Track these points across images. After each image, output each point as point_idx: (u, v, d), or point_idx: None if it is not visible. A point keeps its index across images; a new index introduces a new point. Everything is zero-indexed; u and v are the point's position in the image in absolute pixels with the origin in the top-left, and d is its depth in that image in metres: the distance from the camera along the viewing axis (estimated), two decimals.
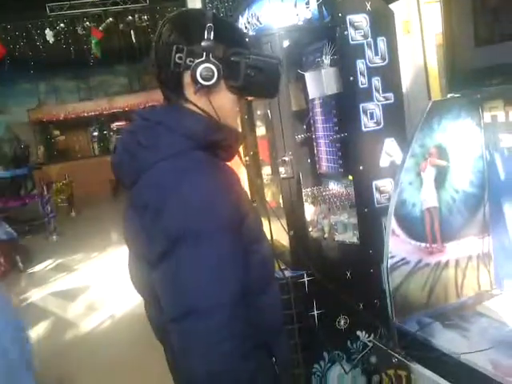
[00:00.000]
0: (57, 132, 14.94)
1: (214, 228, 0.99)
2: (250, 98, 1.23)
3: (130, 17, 10.86)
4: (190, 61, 1.07)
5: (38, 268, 6.97)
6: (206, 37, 1.06)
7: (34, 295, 5.84)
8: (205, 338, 0.97)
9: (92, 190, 11.66)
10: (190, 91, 1.11)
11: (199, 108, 1.10)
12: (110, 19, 10.62)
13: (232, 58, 1.09)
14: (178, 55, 1.06)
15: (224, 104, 1.13)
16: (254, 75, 1.10)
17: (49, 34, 10.49)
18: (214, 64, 1.06)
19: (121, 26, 10.91)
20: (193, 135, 1.07)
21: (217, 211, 1.00)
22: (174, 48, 1.06)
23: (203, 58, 1.06)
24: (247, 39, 1.23)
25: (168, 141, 1.06)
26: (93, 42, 10.51)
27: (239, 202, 1.06)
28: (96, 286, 5.81)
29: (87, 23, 10.77)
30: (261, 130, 3.01)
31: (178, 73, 1.09)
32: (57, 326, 4.91)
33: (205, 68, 1.06)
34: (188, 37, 1.08)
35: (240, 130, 1.25)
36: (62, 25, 10.75)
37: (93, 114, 14.78)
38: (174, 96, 1.13)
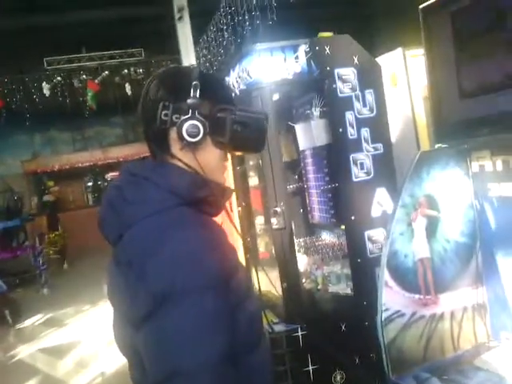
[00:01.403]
0: (51, 183, 14.94)
1: (200, 287, 0.96)
2: (237, 153, 1.23)
3: (125, 70, 11.10)
4: (176, 117, 1.08)
5: (27, 323, 6.80)
6: (192, 94, 1.08)
7: (23, 351, 5.67)
8: None
9: (85, 240, 11.52)
10: (176, 147, 1.11)
11: (185, 164, 1.10)
12: (106, 72, 10.85)
13: (218, 115, 1.10)
14: (164, 112, 1.07)
15: (210, 159, 1.13)
16: (241, 131, 1.11)
17: (45, 87, 10.67)
18: (199, 121, 1.07)
19: (116, 78, 11.13)
20: (179, 191, 1.06)
21: (202, 269, 0.98)
22: (161, 105, 1.08)
23: (189, 115, 1.07)
24: (233, 95, 1.25)
25: (154, 197, 1.06)
26: (89, 94, 10.69)
27: (226, 259, 1.04)
28: (86, 342, 5.65)
29: (83, 76, 10.98)
30: (253, 180, 3.02)
31: (164, 129, 1.09)
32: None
33: (191, 125, 1.07)
34: (174, 94, 1.09)
35: (227, 184, 1.24)
36: (58, 78, 10.95)
37: (87, 164, 14.84)
38: (160, 152, 1.13)
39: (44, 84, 10.63)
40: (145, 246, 1.00)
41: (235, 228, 1.29)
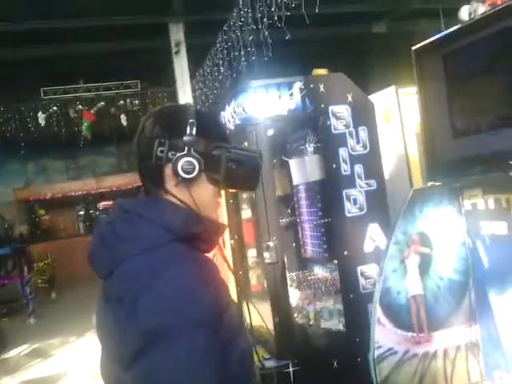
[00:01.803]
0: (42, 211, 14.87)
1: (192, 325, 0.95)
2: (231, 190, 1.24)
3: (121, 101, 11.20)
4: (172, 154, 1.08)
5: (12, 353, 6.64)
6: (188, 132, 1.09)
7: (7, 383, 5.53)
8: None
9: (75, 269, 11.36)
10: (170, 183, 1.11)
11: (179, 200, 1.11)
12: (102, 103, 10.95)
13: (213, 152, 1.12)
14: (160, 148, 1.08)
15: (205, 196, 1.14)
16: (235, 169, 1.12)
17: (41, 117, 10.73)
18: (195, 158, 1.08)
19: (112, 109, 11.22)
20: (172, 228, 1.06)
21: (194, 307, 0.96)
22: (157, 141, 1.08)
23: (185, 152, 1.08)
24: (228, 132, 1.27)
25: (147, 233, 1.05)
26: (85, 124, 10.76)
27: (219, 296, 1.03)
28: (72, 374, 5.52)
29: (79, 106, 11.07)
30: (246, 213, 3.03)
31: (160, 165, 1.10)
32: None
33: (186, 161, 1.08)
34: (170, 131, 1.11)
35: (220, 220, 1.24)
36: (54, 108, 11.03)
37: (80, 193, 14.81)
38: (155, 188, 1.13)
39: (40, 113, 10.69)
40: (136, 282, 0.99)
41: (227, 264, 1.29)
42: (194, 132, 1.10)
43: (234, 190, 1.33)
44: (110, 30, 8.26)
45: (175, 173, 1.09)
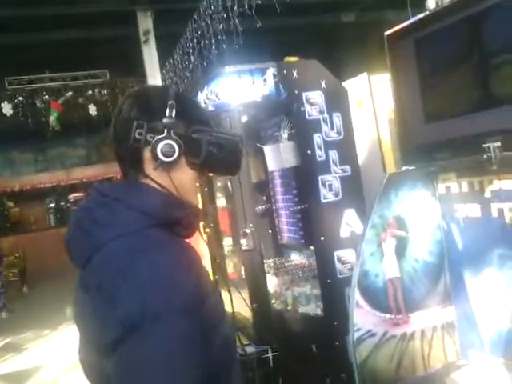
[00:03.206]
0: (10, 203, 14.54)
1: (173, 311, 0.93)
2: (210, 174, 1.22)
3: (89, 91, 10.98)
4: (151, 137, 1.06)
5: None
6: (167, 114, 1.07)
7: None
8: None
9: (47, 262, 11.22)
10: (149, 167, 1.09)
11: (159, 184, 1.08)
12: (70, 93, 10.71)
13: (193, 135, 1.09)
14: (138, 131, 1.05)
15: (184, 180, 1.11)
16: (216, 152, 1.10)
17: (7, 107, 10.43)
18: (174, 141, 1.05)
19: (80, 99, 10.99)
20: (151, 212, 1.04)
21: (175, 293, 0.95)
22: (135, 124, 1.05)
23: (164, 135, 1.06)
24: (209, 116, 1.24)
25: (125, 218, 1.02)
26: (54, 115, 10.49)
27: (200, 282, 1.02)
28: (47, 367, 5.45)
29: (46, 97, 10.81)
30: (221, 202, 3.01)
31: (138, 148, 1.07)
32: None
33: (166, 144, 1.05)
34: (149, 113, 1.08)
35: (200, 205, 1.22)
36: (20, 98, 10.75)
37: (50, 185, 14.53)
38: (133, 171, 1.11)
39: (5, 103, 10.40)
40: (115, 269, 0.96)
41: (209, 249, 1.28)
42: (173, 114, 1.07)
43: (210, 176, 1.30)
44: (75, 17, 8.06)
45: (154, 156, 1.06)
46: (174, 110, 1.07)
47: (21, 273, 10.04)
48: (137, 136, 1.06)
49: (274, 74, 2.28)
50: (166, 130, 1.06)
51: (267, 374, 2.14)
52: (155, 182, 1.09)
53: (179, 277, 0.97)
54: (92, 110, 10.96)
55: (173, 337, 0.92)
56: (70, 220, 1.11)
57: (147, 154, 1.08)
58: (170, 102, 1.08)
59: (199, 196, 3.00)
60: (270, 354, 2.18)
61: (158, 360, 0.91)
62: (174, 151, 1.06)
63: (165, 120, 1.07)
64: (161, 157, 1.05)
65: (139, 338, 0.91)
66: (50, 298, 8.48)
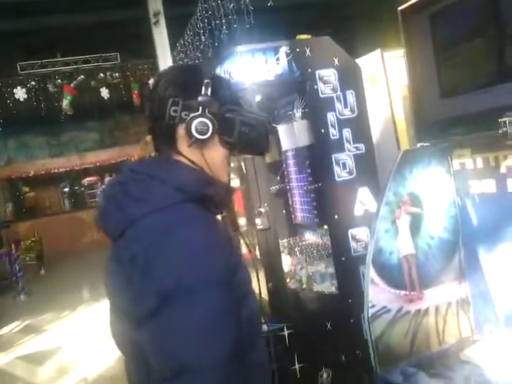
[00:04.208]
0: (26, 189, 14.71)
1: (206, 283, 0.96)
2: (241, 154, 1.23)
3: (101, 74, 11.00)
4: (186, 114, 1.08)
5: (4, 330, 6.66)
6: (203, 92, 1.08)
7: (1, 359, 5.56)
8: None
9: (63, 246, 11.40)
10: (183, 144, 1.11)
11: (191, 161, 1.11)
12: (82, 76, 10.73)
13: (227, 115, 1.11)
14: (173, 108, 1.08)
15: (216, 159, 1.14)
16: (248, 132, 1.12)
17: (20, 92, 10.50)
18: (209, 119, 1.08)
19: (92, 83, 11.02)
20: (184, 188, 1.06)
21: (208, 266, 0.98)
22: (170, 101, 1.08)
23: (199, 113, 1.07)
24: (242, 96, 1.26)
25: (159, 193, 1.05)
26: (68, 98, 10.52)
27: (230, 257, 1.05)
28: (66, 348, 5.56)
29: (59, 81, 10.84)
30: (235, 182, 3.03)
31: (172, 125, 1.09)
32: None
33: (200, 122, 1.07)
34: (185, 91, 1.10)
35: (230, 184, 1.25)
36: (32, 82, 10.80)
37: (64, 170, 14.66)
38: (167, 148, 1.13)
39: (18, 89, 10.45)
40: (149, 242, 0.99)
41: (236, 227, 1.32)
42: (208, 93, 1.09)
43: (244, 155, 1.31)
44: (85, 1, 8.04)
45: (188, 133, 1.09)
46: (209, 89, 1.09)
47: (38, 256, 10.21)
48: (172, 113, 1.09)
49: (286, 53, 2.27)
50: (200, 108, 1.08)
51: (283, 350, 2.17)
52: (188, 159, 1.11)
53: (211, 251, 1.01)
54: (104, 93, 11.00)
55: (206, 308, 0.96)
56: (101, 195, 1.14)
57: (181, 131, 1.11)
58: (206, 80, 1.10)
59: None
60: (286, 332, 2.20)
61: (191, 330, 0.95)
62: (208, 129, 1.09)
63: (200, 98, 1.09)
64: (195, 134, 1.08)
65: (173, 309, 0.94)
66: (67, 281, 8.63)
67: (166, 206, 1.04)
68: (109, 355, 4.78)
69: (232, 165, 2.96)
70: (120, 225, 1.06)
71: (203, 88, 1.08)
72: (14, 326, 6.79)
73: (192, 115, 1.07)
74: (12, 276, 8.31)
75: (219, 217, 1.30)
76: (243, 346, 1.03)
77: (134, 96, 11.24)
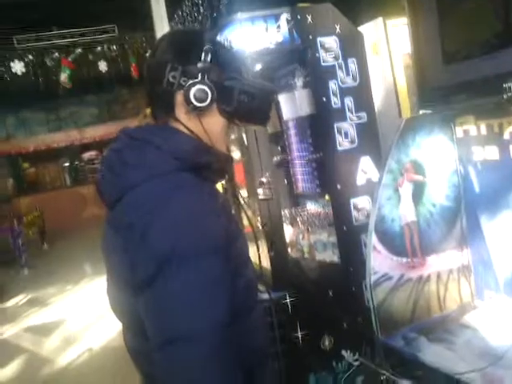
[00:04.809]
0: (26, 164, 14.70)
1: (203, 250, 0.96)
2: (240, 124, 1.21)
3: (99, 47, 10.86)
4: (184, 80, 1.05)
5: (9, 303, 6.76)
6: (203, 58, 1.06)
7: (7, 332, 5.64)
8: (192, 365, 0.93)
9: (64, 221, 11.45)
10: (180, 111, 1.09)
11: (188, 129, 1.09)
12: (79, 50, 10.60)
13: (226, 83, 1.09)
14: (172, 73, 1.05)
15: (214, 127, 1.12)
16: (247, 102, 1.09)
17: (17, 66, 10.38)
18: (208, 86, 1.05)
19: (90, 56, 10.89)
20: (181, 156, 1.05)
21: (205, 233, 0.98)
22: (169, 66, 1.05)
23: (198, 79, 1.05)
24: (244, 64, 1.23)
25: (155, 160, 1.04)
26: (67, 72, 10.40)
27: (228, 226, 1.05)
28: (71, 320, 5.65)
29: (56, 54, 10.71)
30: (235, 155, 3.02)
31: (170, 91, 1.07)
32: (32, 361, 4.75)
33: (199, 89, 1.05)
34: (184, 56, 1.07)
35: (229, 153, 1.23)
36: (30, 56, 10.67)
37: (63, 145, 14.62)
38: (164, 115, 1.11)
39: (16, 62, 10.33)
40: (147, 209, 0.99)
41: (237, 197, 1.31)
42: (208, 59, 1.06)
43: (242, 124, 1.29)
44: None
45: (187, 100, 1.06)
46: (209, 55, 1.06)
47: (40, 231, 10.28)
48: (170, 79, 1.06)
49: (287, 20, 2.23)
50: (200, 75, 1.06)
51: (285, 318, 2.20)
52: (185, 126, 1.10)
53: (209, 219, 1.00)
54: (102, 66, 10.87)
55: (201, 274, 0.96)
56: (101, 162, 1.13)
57: (179, 97, 1.08)
58: (207, 46, 1.07)
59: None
60: (288, 300, 2.22)
61: (185, 297, 0.95)
62: (207, 97, 1.06)
63: (200, 64, 1.06)
64: (193, 101, 1.06)
65: (169, 276, 0.95)
66: (69, 255, 8.71)
67: (162, 173, 1.03)
68: (112, 327, 4.85)
69: (232, 137, 2.96)
70: (116, 192, 1.06)
71: (203, 54, 1.06)
72: (19, 300, 6.89)
73: (191, 82, 1.05)
74: (15, 251, 8.37)
75: (220, 188, 1.30)
76: (239, 313, 1.04)
77: (132, 69, 11.12)
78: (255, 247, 1.52)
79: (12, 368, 4.61)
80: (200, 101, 1.05)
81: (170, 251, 0.95)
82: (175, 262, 0.94)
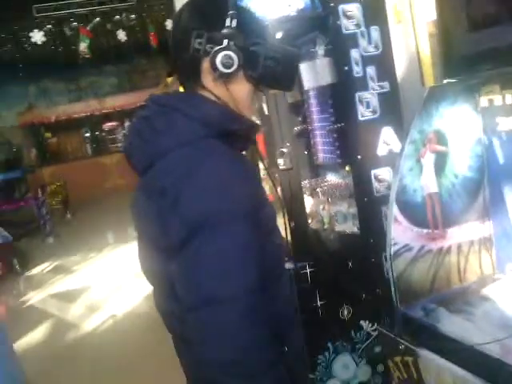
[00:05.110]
0: (48, 134, 14.85)
1: (233, 215, 0.98)
2: (267, 89, 1.20)
3: (117, 16, 10.78)
4: (210, 47, 1.05)
5: (35, 271, 6.95)
6: (228, 24, 1.05)
7: (33, 298, 5.82)
8: (224, 328, 0.97)
9: (87, 190, 11.61)
10: (207, 78, 1.09)
11: (216, 96, 1.09)
12: (98, 19, 10.54)
13: (252, 48, 1.08)
14: (198, 40, 1.05)
15: (240, 94, 1.12)
16: (273, 66, 1.08)
17: (37, 35, 10.39)
18: (234, 52, 1.05)
19: (108, 25, 10.83)
20: (209, 122, 1.06)
21: (235, 198, 0.99)
22: (194, 33, 1.05)
23: (224, 45, 1.05)
24: (269, 29, 1.22)
25: (184, 127, 1.05)
26: (86, 42, 10.38)
27: (257, 192, 1.06)
28: (95, 287, 5.79)
29: (74, 24, 10.67)
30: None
31: (197, 58, 1.07)
32: (58, 326, 4.91)
33: (225, 55, 1.04)
34: (209, 23, 1.07)
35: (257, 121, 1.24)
36: (48, 26, 10.66)
37: (84, 115, 14.69)
38: (191, 82, 1.12)
39: (35, 32, 10.33)
40: (178, 174, 1.01)
41: (263, 164, 1.33)
42: (234, 25, 1.05)
43: (268, 90, 1.28)
44: None
45: (213, 67, 1.06)
46: (234, 21, 1.05)
47: (63, 200, 10.46)
48: (196, 46, 1.06)
49: None
50: (225, 41, 1.05)
51: (305, 288, 2.22)
52: (212, 93, 1.10)
53: (239, 184, 1.02)
54: (121, 35, 10.81)
55: (233, 239, 0.99)
56: (128, 129, 1.15)
57: (206, 64, 1.08)
58: (231, 12, 1.05)
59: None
60: (308, 270, 2.24)
61: (218, 261, 0.98)
62: (233, 63, 1.06)
63: (225, 30, 1.05)
64: (220, 68, 1.05)
65: (201, 239, 0.97)
66: (92, 224, 8.86)
67: (192, 140, 1.04)
68: (136, 294, 4.97)
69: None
70: (146, 158, 1.08)
71: (228, 20, 1.05)
72: (45, 267, 7.07)
73: (217, 48, 1.05)
74: (40, 220, 8.55)
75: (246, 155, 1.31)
76: (268, 279, 1.06)
77: (151, 38, 11.03)
78: (281, 215, 1.53)
79: (39, 332, 4.78)
80: (226, 67, 1.05)
81: (202, 216, 0.97)
82: (207, 227, 0.96)
